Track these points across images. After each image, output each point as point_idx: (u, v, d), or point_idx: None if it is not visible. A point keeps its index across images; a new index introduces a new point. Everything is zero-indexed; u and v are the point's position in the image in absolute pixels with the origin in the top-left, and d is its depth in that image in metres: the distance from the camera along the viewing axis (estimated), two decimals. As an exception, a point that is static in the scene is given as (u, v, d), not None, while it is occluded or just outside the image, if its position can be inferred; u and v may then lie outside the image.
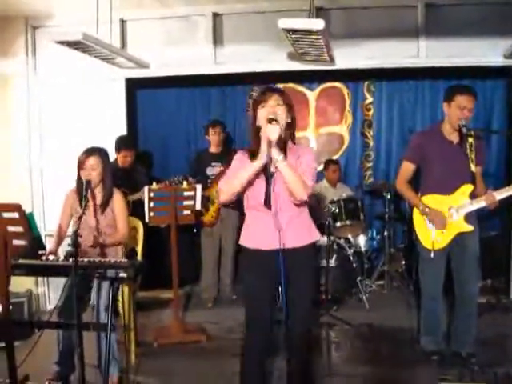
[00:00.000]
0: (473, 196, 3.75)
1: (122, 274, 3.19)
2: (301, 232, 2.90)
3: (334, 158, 6.45)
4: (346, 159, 6.52)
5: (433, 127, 3.99)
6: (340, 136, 6.52)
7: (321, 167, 6.40)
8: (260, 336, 2.93)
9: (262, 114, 2.77)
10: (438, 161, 3.77)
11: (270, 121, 2.67)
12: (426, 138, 3.91)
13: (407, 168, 3.92)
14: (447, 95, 3.76)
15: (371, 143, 6.47)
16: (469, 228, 3.77)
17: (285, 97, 2.82)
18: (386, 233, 5.77)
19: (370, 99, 6.41)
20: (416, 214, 3.91)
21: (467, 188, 3.75)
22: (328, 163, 6.20)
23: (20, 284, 5.03)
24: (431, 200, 3.81)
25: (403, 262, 5.90)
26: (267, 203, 2.71)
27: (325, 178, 6.18)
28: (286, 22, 3.93)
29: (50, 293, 5.62)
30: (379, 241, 5.97)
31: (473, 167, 3.70)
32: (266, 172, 2.71)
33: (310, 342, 3.01)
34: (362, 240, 5.77)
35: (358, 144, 6.51)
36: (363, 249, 5.75)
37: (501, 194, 3.69)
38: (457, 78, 5.93)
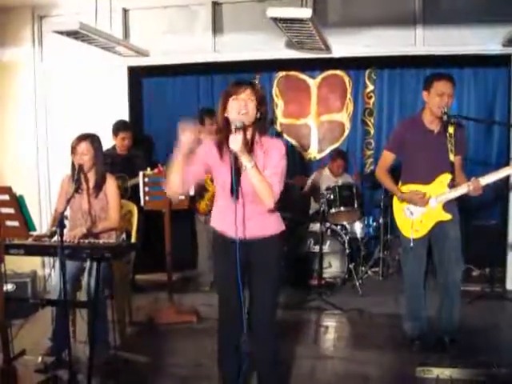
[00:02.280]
0: (451, 185, 3.76)
1: (107, 254, 3.34)
2: (265, 223, 2.93)
3: (335, 145, 6.51)
4: (346, 147, 6.56)
5: (414, 116, 3.99)
6: (341, 124, 6.56)
7: (323, 154, 6.48)
8: (230, 316, 3.01)
9: (234, 106, 2.80)
10: (417, 150, 3.79)
11: (234, 130, 2.72)
12: (407, 127, 3.92)
13: (386, 157, 3.96)
14: (425, 83, 3.77)
15: (372, 131, 6.51)
16: (447, 216, 3.78)
17: (256, 92, 2.84)
18: (381, 220, 5.82)
19: (371, 87, 6.44)
20: (395, 203, 3.96)
21: (445, 177, 3.76)
22: (335, 155, 6.22)
23: (25, 266, 5.25)
24: (410, 189, 3.84)
25: (400, 250, 5.92)
26: (232, 193, 2.81)
27: (328, 167, 6.23)
28: (273, 11, 4.01)
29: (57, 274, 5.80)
30: (375, 228, 6.01)
31: (452, 157, 3.72)
32: (233, 165, 2.76)
33: (274, 329, 3.06)
34: (357, 227, 5.83)
35: (358, 132, 6.55)
36: (359, 235, 5.81)
37: (486, 180, 3.65)
38: (458, 67, 5.96)
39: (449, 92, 3.66)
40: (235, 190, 2.78)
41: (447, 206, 3.79)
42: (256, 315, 3.02)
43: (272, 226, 2.98)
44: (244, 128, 2.76)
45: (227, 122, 2.83)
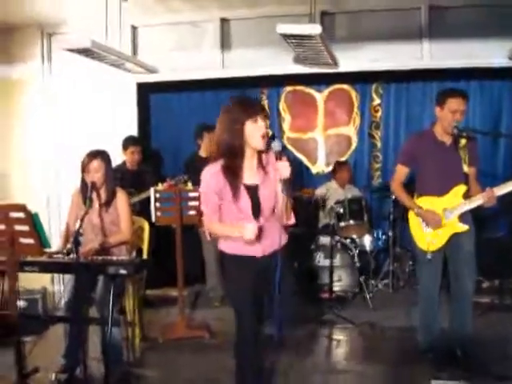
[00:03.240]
0: (466, 197, 3.79)
1: (122, 271, 3.35)
2: (278, 235, 2.94)
3: (343, 159, 6.53)
4: (354, 160, 6.59)
5: (426, 130, 4.03)
6: (348, 137, 6.59)
7: (330, 168, 6.49)
8: (251, 331, 3.02)
9: (260, 127, 2.78)
10: (431, 162, 3.82)
11: (277, 156, 2.78)
12: (419, 140, 3.97)
13: (401, 171, 3.98)
14: (439, 99, 3.80)
15: (379, 144, 6.54)
16: (463, 228, 3.80)
17: (265, 111, 2.91)
18: (390, 233, 5.83)
19: (377, 101, 6.47)
20: (411, 216, 3.97)
21: (460, 189, 3.79)
22: (338, 164, 6.27)
23: (35, 282, 5.24)
24: (425, 201, 3.87)
25: (410, 262, 5.93)
26: (256, 214, 2.88)
27: (333, 178, 6.26)
28: (283, 28, 4.05)
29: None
30: (385, 241, 6.01)
31: (465, 168, 3.76)
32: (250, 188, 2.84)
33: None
34: (367, 240, 5.83)
35: (365, 145, 6.56)
36: (368, 249, 5.81)
37: (500, 190, 3.67)
38: (464, 80, 5.99)
39: (462, 109, 3.71)
40: (258, 211, 2.87)
41: (463, 217, 3.81)
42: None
43: (283, 236, 3.02)
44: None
45: (242, 147, 2.82)
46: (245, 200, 2.88)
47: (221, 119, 2.85)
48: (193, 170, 5.45)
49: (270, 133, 6.17)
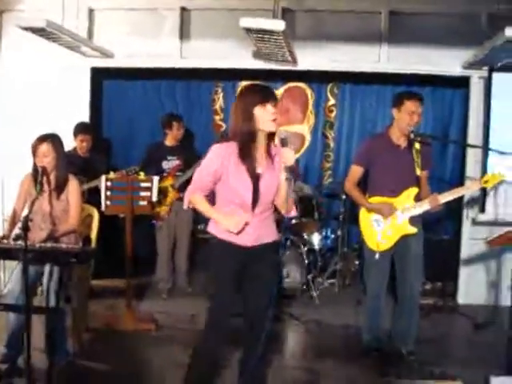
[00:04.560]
0: (417, 199, 3.88)
1: (73, 260, 3.24)
2: (271, 229, 3.00)
3: (295, 156, 6.54)
4: (306, 159, 6.63)
5: (382, 133, 4.12)
6: (301, 136, 6.62)
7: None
8: (226, 322, 3.02)
9: (270, 111, 2.79)
10: (385, 164, 3.89)
11: (282, 143, 2.78)
12: (375, 142, 4.04)
13: (355, 171, 4.03)
14: (396, 101, 3.89)
15: (332, 144, 6.60)
16: (413, 230, 3.89)
17: (275, 98, 2.87)
18: (339, 232, 5.90)
19: (332, 101, 6.53)
20: (362, 214, 4.02)
21: (412, 191, 3.89)
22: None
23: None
24: (378, 202, 3.93)
25: (356, 262, 6.03)
26: (255, 202, 2.86)
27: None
28: (247, 21, 4.03)
29: (6, 277, 5.59)
30: (333, 240, 6.08)
31: (418, 171, 3.85)
32: (253, 174, 2.80)
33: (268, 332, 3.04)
34: (316, 238, 5.85)
35: (318, 144, 6.62)
36: (317, 247, 5.84)
37: (444, 198, 3.81)
38: (418, 85, 6.11)
39: (418, 111, 3.81)
40: (256, 200, 2.84)
41: (413, 220, 3.90)
42: (254, 319, 3.03)
43: (275, 231, 3.05)
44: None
45: (252, 132, 2.81)
46: (246, 186, 2.85)
47: (234, 105, 2.89)
48: (156, 158, 5.42)
49: None
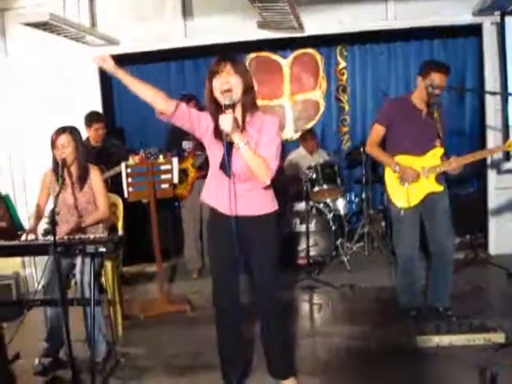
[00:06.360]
0: (444, 159, 3.84)
1: (102, 249, 3.26)
2: (255, 203, 2.91)
3: (311, 124, 6.52)
4: (322, 125, 6.57)
5: (404, 96, 4.05)
6: (315, 102, 6.56)
7: (299, 134, 6.44)
8: (226, 296, 3.03)
9: (216, 85, 2.75)
10: (409, 125, 3.84)
11: (224, 108, 2.69)
12: (399, 104, 3.98)
13: (378, 130, 3.96)
14: (423, 69, 3.82)
15: (346, 107, 6.53)
16: (439, 188, 3.86)
17: (238, 65, 2.76)
18: (364, 195, 5.85)
19: (343, 64, 6.44)
20: (388, 174, 3.96)
21: (438, 150, 3.84)
22: (305, 135, 6.21)
23: (6, 267, 5.11)
24: (403, 160, 3.87)
25: (383, 223, 5.99)
26: (225, 170, 2.80)
27: (302, 146, 6.22)
28: (250, -9, 3.95)
29: (38, 273, 5.65)
30: (358, 203, 6.05)
31: (441, 134, 3.81)
32: (224, 141, 2.72)
33: (278, 305, 3.09)
34: (340, 203, 5.85)
35: (333, 109, 6.55)
36: (342, 212, 5.83)
37: (467, 160, 3.77)
38: (428, 39, 6.00)
39: (443, 85, 3.75)
40: (228, 168, 2.76)
41: (438, 178, 3.86)
42: (258, 293, 3.03)
43: (263, 205, 2.96)
44: (233, 106, 2.73)
45: (216, 102, 2.78)
46: (216, 152, 2.86)
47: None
48: (177, 138, 5.39)
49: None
